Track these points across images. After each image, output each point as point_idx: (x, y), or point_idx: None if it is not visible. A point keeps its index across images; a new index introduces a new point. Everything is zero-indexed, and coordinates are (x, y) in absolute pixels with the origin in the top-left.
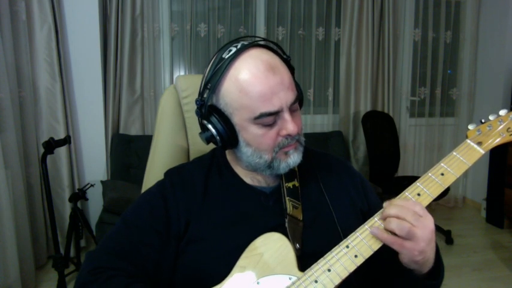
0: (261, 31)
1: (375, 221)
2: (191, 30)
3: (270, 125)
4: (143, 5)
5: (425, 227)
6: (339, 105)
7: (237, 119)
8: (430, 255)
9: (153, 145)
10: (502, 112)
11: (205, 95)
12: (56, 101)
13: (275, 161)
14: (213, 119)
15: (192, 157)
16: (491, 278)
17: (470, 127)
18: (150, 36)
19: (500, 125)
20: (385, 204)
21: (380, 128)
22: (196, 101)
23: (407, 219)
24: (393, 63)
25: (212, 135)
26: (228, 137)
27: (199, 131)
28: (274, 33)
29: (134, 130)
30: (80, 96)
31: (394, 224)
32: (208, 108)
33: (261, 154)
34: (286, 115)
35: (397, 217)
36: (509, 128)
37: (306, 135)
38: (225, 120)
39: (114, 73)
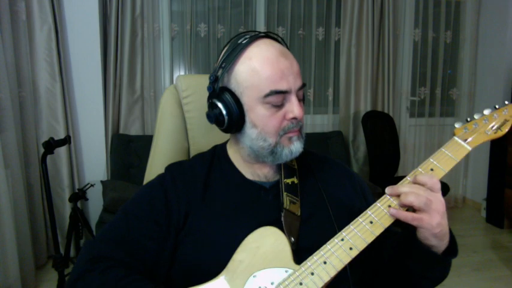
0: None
1: (378, 207)
2: (191, 30)
3: (278, 107)
4: (143, 5)
5: (438, 201)
6: (339, 105)
7: (246, 99)
8: (446, 229)
9: (154, 145)
10: (487, 111)
11: (219, 73)
12: (56, 101)
13: (278, 146)
14: (224, 96)
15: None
16: (491, 278)
17: (457, 125)
18: (150, 36)
19: (486, 123)
20: (387, 189)
21: (380, 128)
22: (210, 76)
23: (421, 193)
24: (393, 63)
25: (220, 113)
26: (237, 115)
27: (200, 130)
28: None
29: (134, 130)
30: (80, 96)
31: (411, 197)
32: (219, 88)
33: (266, 137)
34: (294, 98)
35: (412, 192)
36: (493, 126)
37: (306, 135)
38: (235, 99)
39: (114, 73)
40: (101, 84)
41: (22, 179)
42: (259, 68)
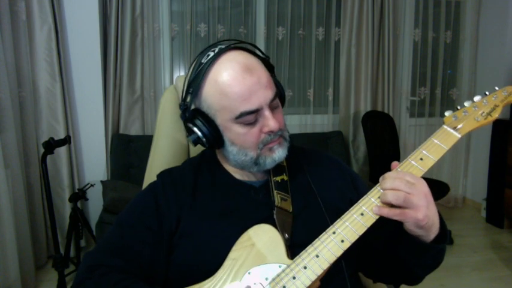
0: (261, 31)
1: (369, 199)
2: (191, 30)
3: (252, 123)
4: (143, 5)
5: (420, 193)
6: (339, 105)
7: (220, 120)
8: (435, 218)
9: (154, 145)
10: (477, 98)
11: (188, 99)
12: (56, 101)
13: (260, 158)
14: (198, 122)
15: (192, 156)
16: (491, 278)
17: (447, 114)
18: (150, 37)
19: (475, 110)
20: (380, 179)
21: (380, 128)
22: (180, 105)
23: (401, 189)
24: (393, 63)
25: (198, 137)
26: (214, 137)
27: None
28: (274, 33)
29: (134, 130)
30: (80, 96)
31: (389, 196)
32: (192, 112)
33: (246, 152)
34: (267, 112)
35: (392, 189)
36: (483, 112)
37: (306, 135)
38: (209, 122)
39: (114, 73)
40: (101, 84)
41: (22, 179)
42: (226, 90)
